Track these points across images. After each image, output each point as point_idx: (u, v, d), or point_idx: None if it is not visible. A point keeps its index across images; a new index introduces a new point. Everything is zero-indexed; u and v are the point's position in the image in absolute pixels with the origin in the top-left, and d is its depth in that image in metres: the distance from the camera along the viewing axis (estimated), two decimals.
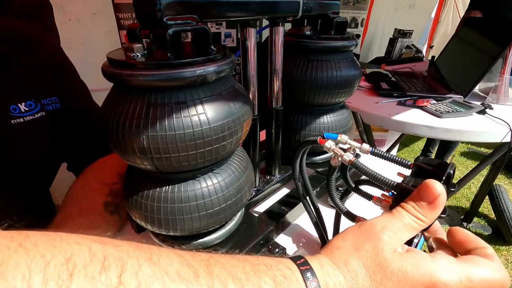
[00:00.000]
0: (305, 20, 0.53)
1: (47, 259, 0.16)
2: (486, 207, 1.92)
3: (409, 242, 0.28)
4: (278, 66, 0.48)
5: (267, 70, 0.49)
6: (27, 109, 0.46)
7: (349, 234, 0.26)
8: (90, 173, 0.49)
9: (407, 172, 0.33)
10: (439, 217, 0.28)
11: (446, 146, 2.07)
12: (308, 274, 0.22)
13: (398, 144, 2.08)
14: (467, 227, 1.78)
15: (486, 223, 1.86)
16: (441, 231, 0.30)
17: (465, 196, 2.11)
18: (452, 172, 0.31)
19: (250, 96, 0.45)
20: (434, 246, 0.29)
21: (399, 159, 0.34)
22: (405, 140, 2.83)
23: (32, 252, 0.16)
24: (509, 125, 0.91)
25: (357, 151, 0.36)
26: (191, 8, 0.31)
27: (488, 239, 1.73)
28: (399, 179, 0.32)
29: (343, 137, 0.36)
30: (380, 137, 2.03)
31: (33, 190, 0.52)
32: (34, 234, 0.18)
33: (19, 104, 0.46)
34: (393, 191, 0.31)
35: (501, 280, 0.23)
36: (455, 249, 0.27)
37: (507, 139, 0.89)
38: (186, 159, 0.31)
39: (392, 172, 0.36)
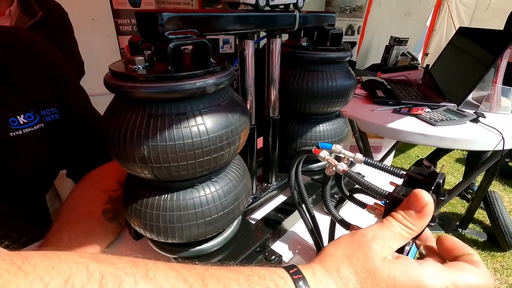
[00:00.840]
0: (302, 31, 0.55)
1: (46, 281, 0.17)
2: (481, 213, 1.94)
3: (401, 250, 0.29)
4: (275, 76, 0.49)
5: (265, 79, 0.50)
6: (26, 121, 0.46)
7: (341, 242, 0.27)
8: (89, 180, 0.49)
9: (400, 181, 0.34)
10: (428, 226, 0.29)
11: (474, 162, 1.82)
12: (301, 283, 0.23)
13: (394, 151, 2.10)
14: (463, 234, 1.80)
15: (481, 230, 1.87)
16: (431, 239, 0.31)
17: (460, 203, 2.12)
18: (441, 181, 0.32)
19: (248, 105, 0.46)
20: (424, 253, 0.30)
21: (391, 169, 0.35)
22: (401, 146, 2.86)
23: (31, 275, 0.17)
24: (501, 134, 0.93)
25: (351, 160, 0.37)
26: (191, 23, 0.32)
27: (483, 245, 1.75)
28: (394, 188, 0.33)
29: (337, 147, 0.37)
30: (376, 143, 2.05)
31: (31, 198, 0.52)
32: (33, 255, 0.18)
33: (18, 117, 0.46)
34: (385, 200, 0.32)
35: (486, 286, 0.24)
36: (443, 256, 0.28)
37: (500, 147, 0.91)
38: (185, 168, 0.32)
39: (388, 180, 0.37)
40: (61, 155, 0.54)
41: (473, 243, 1.76)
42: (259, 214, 0.54)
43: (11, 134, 0.45)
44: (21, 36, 0.51)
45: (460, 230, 1.81)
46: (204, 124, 0.31)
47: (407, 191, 0.30)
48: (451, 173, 2.57)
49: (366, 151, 1.46)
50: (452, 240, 0.28)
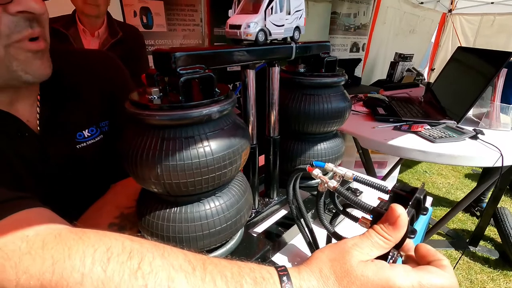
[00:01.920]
0: (300, 58, 0.60)
1: (95, 248, 0.26)
2: (493, 230, 1.89)
3: (384, 259, 0.32)
4: (274, 100, 0.54)
5: (265, 102, 0.55)
6: (89, 134, 0.52)
7: (327, 248, 0.31)
8: (110, 195, 0.54)
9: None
10: (409, 237, 0.32)
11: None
12: (284, 278, 0.28)
13: (399, 166, 2.10)
14: (473, 251, 1.76)
15: (493, 247, 1.82)
16: (413, 249, 0.35)
17: (470, 219, 2.09)
18: (422, 197, 0.35)
19: (250, 126, 0.51)
20: (404, 261, 0.34)
21: (379, 186, 0.39)
22: (408, 162, 2.85)
23: (87, 243, 0.27)
24: (499, 150, 0.95)
25: (343, 177, 0.41)
26: (199, 59, 0.38)
27: (495, 264, 1.70)
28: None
29: (329, 166, 0.41)
30: (382, 159, 2.06)
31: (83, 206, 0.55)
32: (89, 231, 0.29)
33: (83, 131, 0.52)
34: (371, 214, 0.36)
35: (449, 286, 0.27)
36: (419, 262, 0.32)
37: (499, 164, 0.93)
38: (193, 184, 0.37)
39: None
40: (108, 164, 0.58)
41: (484, 261, 1.72)
42: (261, 228, 0.57)
43: (77, 146, 0.51)
44: (92, 57, 0.57)
45: (471, 248, 1.77)
46: (209, 146, 0.36)
47: (389, 206, 0.34)
48: (460, 188, 2.54)
49: (368, 167, 1.49)
50: (426, 248, 0.31)
